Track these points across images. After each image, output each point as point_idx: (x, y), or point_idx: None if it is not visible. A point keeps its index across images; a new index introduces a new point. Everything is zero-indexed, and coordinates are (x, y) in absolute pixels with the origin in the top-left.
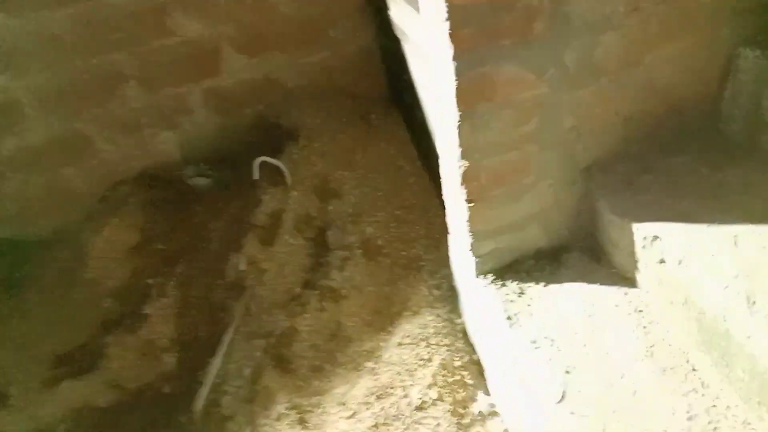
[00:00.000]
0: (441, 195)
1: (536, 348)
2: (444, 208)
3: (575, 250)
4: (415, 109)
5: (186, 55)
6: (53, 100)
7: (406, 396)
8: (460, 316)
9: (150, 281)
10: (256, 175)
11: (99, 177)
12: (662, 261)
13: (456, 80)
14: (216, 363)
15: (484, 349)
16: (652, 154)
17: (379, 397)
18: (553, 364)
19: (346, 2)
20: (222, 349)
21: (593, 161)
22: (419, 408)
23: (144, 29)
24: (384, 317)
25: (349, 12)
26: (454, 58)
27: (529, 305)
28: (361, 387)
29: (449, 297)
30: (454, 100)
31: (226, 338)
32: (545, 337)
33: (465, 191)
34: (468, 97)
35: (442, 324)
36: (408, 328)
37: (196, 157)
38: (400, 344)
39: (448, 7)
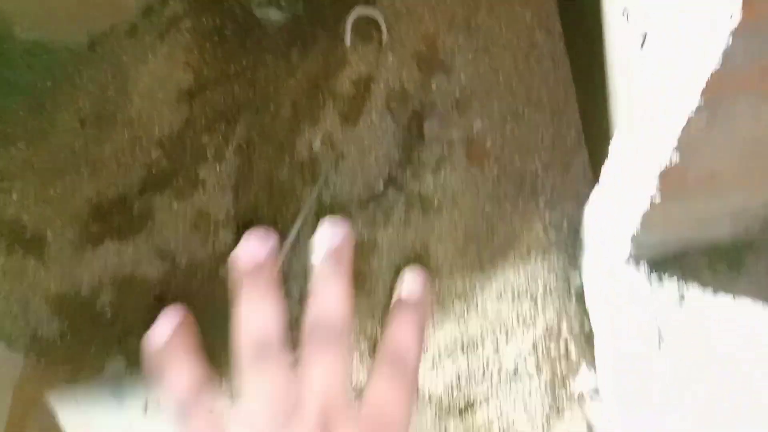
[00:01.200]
0: (583, 99)
1: (690, 384)
2: (583, 118)
3: (764, 253)
4: None
5: None
6: None
7: (498, 357)
8: (578, 273)
9: (206, 139)
10: (347, 39)
11: None
12: None
13: (718, 66)
14: (281, 256)
15: (605, 326)
16: None
17: (466, 351)
18: (707, 415)
19: None
20: (288, 243)
21: None
22: (512, 374)
23: None
24: (482, 249)
25: None
26: (734, 34)
27: (687, 320)
28: (445, 331)
29: (569, 245)
30: (700, 86)
31: (294, 229)
32: (698, 377)
33: (657, 188)
34: (723, 85)
35: (556, 280)
36: (512, 276)
37: None
38: (500, 294)
39: None
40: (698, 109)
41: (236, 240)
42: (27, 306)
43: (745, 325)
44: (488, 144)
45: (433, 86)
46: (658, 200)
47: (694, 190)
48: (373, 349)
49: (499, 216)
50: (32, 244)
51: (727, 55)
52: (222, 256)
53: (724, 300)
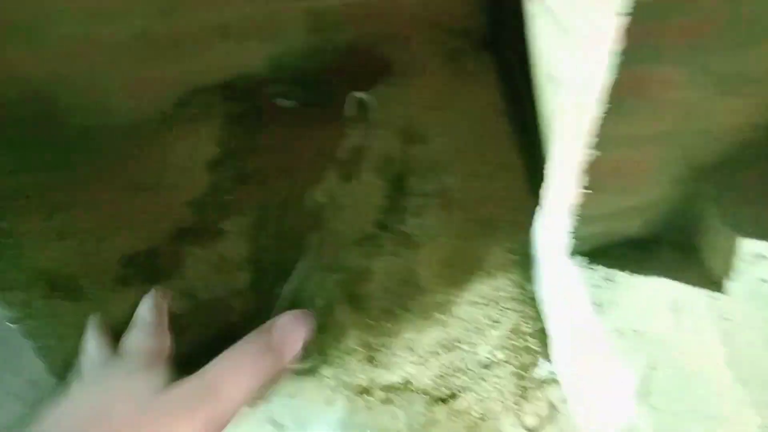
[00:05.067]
0: (524, 156)
1: (622, 337)
2: (526, 170)
3: (665, 244)
4: (516, 62)
5: None
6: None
7: (473, 352)
8: (532, 284)
9: (228, 199)
10: (349, 111)
11: (180, 79)
12: (764, 281)
13: (614, 74)
14: (290, 287)
15: (555, 322)
16: None
17: (447, 349)
18: (637, 355)
19: None
20: (297, 275)
21: (711, 163)
22: (485, 366)
23: None
24: (456, 272)
25: None
26: (621, 53)
27: (616, 293)
28: (430, 336)
29: (524, 264)
30: (604, 91)
31: (301, 265)
32: (631, 329)
33: (586, 179)
34: (619, 90)
35: (515, 290)
36: (481, 288)
37: (283, 76)
38: (472, 302)
39: (634, 3)
40: (607, 109)
41: (252, 279)
42: (64, 342)
43: (656, 296)
44: (457, 195)
45: (412, 153)
46: (585, 192)
47: (608, 181)
48: (366, 356)
49: (468, 248)
50: (68, 291)
51: (619, 64)
52: (239, 293)
53: (640, 278)
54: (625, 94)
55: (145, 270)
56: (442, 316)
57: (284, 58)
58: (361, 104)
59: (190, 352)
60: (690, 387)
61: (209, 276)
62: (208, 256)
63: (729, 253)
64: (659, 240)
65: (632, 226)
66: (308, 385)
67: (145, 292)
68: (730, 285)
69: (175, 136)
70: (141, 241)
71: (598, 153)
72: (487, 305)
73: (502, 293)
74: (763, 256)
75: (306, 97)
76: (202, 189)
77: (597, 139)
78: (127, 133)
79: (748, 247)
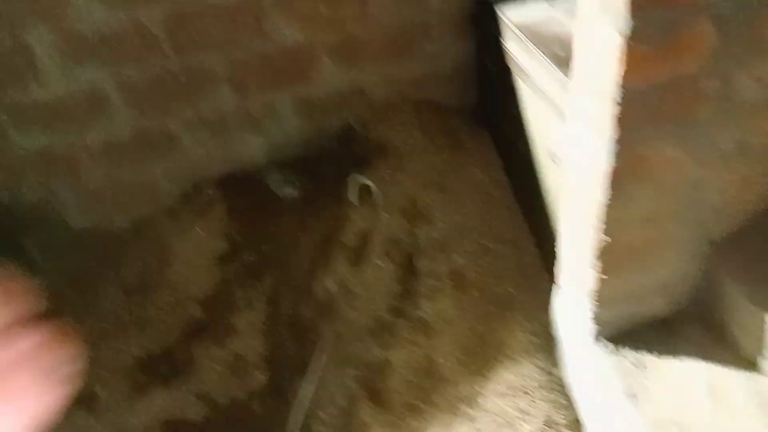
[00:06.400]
0: (533, 231)
1: (660, 428)
2: (537, 246)
3: (693, 323)
4: (516, 140)
5: (280, 60)
6: (142, 95)
7: None
8: (559, 368)
9: (238, 293)
10: (353, 197)
11: (182, 175)
12: None
13: (612, 161)
14: (309, 388)
15: (588, 410)
16: None
17: None
18: None
19: (445, 16)
20: (315, 374)
21: (723, 236)
22: None
23: (240, 31)
24: (479, 359)
25: (446, 26)
26: (616, 141)
27: (648, 380)
28: None
29: (547, 346)
30: (606, 179)
31: (318, 362)
32: (669, 419)
33: (600, 265)
34: (621, 177)
35: (543, 376)
36: (507, 376)
37: (281, 164)
38: (499, 393)
39: (623, 92)
40: (610, 196)
41: (269, 379)
42: None
43: (691, 380)
44: (470, 275)
45: (419, 233)
46: (601, 276)
47: (623, 264)
48: None
49: (488, 331)
50: (83, 400)
51: (616, 151)
52: (257, 395)
53: (671, 362)
54: (629, 178)
55: (161, 374)
56: (470, 410)
57: (281, 148)
58: (363, 187)
59: None
60: None
61: (226, 378)
62: (223, 356)
63: (760, 331)
64: (685, 318)
65: (655, 306)
66: None
67: (164, 398)
68: (765, 364)
69: (181, 233)
70: (153, 343)
71: (609, 239)
72: (515, 396)
73: (529, 381)
74: None
75: (306, 183)
76: (212, 284)
77: (606, 225)
78: (129, 232)
79: None
